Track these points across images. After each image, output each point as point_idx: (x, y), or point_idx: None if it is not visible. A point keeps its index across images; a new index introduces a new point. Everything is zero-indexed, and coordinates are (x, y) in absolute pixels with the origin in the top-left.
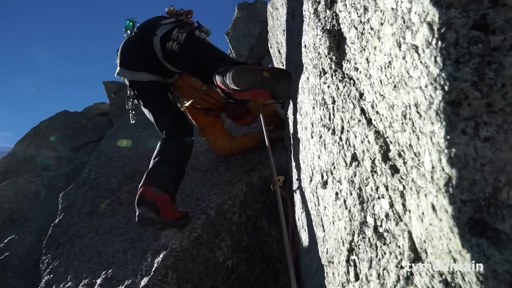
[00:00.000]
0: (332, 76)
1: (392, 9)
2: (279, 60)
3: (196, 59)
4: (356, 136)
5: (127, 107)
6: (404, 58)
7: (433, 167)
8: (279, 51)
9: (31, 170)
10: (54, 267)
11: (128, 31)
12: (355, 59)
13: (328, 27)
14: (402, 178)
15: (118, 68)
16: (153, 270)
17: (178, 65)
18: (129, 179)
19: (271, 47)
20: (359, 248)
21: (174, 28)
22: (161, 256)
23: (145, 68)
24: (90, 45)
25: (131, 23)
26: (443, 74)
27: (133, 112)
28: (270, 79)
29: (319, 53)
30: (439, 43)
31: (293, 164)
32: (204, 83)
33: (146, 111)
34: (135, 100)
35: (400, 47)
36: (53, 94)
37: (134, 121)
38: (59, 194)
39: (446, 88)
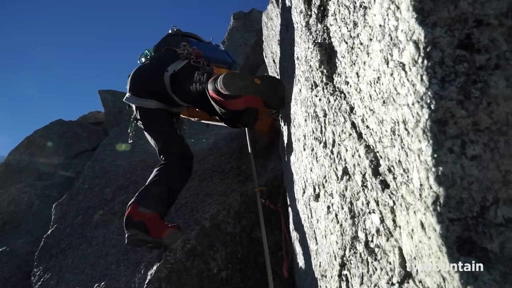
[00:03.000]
0: (323, 89)
1: (380, 26)
2: (274, 70)
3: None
4: (347, 150)
5: (129, 129)
6: (392, 75)
7: (421, 185)
8: (273, 60)
9: (24, 179)
10: (46, 280)
11: (143, 59)
12: (345, 72)
13: (319, 41)
14: (392, 193)
15: (128, 93)
16: (146, 282)
17: (186, 100)
18: (123, 189)
19: (266, 56)
20: (350, 263)
21: (190, 68)
22: (154, 268)
23: (153, 97)
24: (86, 53)
25: (149, 54)
26: (429, 93)
27: (133, 133)
28: (262, 86)
29: (310, 66)
30: (425, 61)
31: (287, 174)
32: (213, 116)
33: (148, 136)
34: (138, 123)
35: (388, 63)
36: (49, 103)
37: (131, 141)
38: (53, 204)
39: (432, 106)
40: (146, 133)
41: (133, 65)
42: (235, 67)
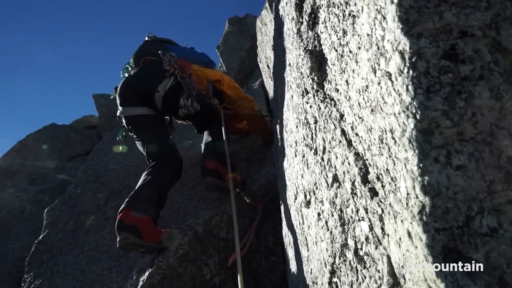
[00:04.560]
0: (314, 96)
1: (368, 35)
2: (268, 75)
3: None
4: (337, 157)
5: (118, 136)
6: (379, 84)
7: (408, 194)
8: (268, 66)
9: (16, 184)
10: (36, 286)
11: (126, 74)
12: (335, 80)
13: (310, 48)
14: (380, 201)
15: (120, 108)
16: None
17: (176, 117)
18: (116, 194)
19: (260, 61)
20: (340, 271)
21: (177, 89)
22: (146, 274)
23: (144, 105)
24: (80, 56)
25: (130, 67)
26: (414, 103)
27: (123, 140)
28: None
29: (301, 73)
30: (411, 72)
31: (280, 180)
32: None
33: (138, 143)
34: (131, 133)
35: (375, 73)
36: (42, 106)
37: (122, 147)
38: (45, 209)
39: (417, 116)
40: (136, 141)
41: None
42: (212, 66)
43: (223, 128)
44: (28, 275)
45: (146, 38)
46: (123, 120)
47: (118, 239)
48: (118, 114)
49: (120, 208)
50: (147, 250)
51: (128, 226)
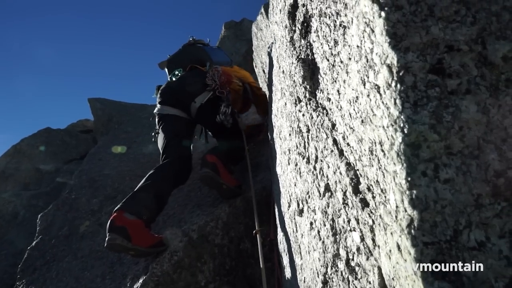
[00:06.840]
0: (306, 104)
1: (357, 46)
2: (263, 80)
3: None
4: (329, 167)
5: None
6: (368, 96)
7: (397, 207)
8: (263, 70)
9: (10, 189)
10: None
11: (174, 78)
12: (327, 89)
13: (302, 56)
14: (371, 212)
15: (159, 106)
16: None
17: (206, 126)
18: (110, 199)
19: (255, 66)
20: (332, 281)
21: (214, 100)
22: (140, 281)
23: (178, 108)
24: (75, 60)
25: (179, 74)
26: (402, 117)
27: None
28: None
29: (294, 81)
30: (398, 85)
31: (275, 186)
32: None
33: (160, 138)
34: (158, 129)
35: (364, 85)
36: (36, 110)
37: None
38: (38, 214)
39: (405, 130)
40: (159, 136)
41: (125, 72)
42: (231, 65)
43: (246, 150)
44: (21, 282)
45: (188, 42)
46: (156, 118)
47: (106, 239)
48: (155, 111)
49: (115, 209)
50: (137, 254)
51: (118, 228)
